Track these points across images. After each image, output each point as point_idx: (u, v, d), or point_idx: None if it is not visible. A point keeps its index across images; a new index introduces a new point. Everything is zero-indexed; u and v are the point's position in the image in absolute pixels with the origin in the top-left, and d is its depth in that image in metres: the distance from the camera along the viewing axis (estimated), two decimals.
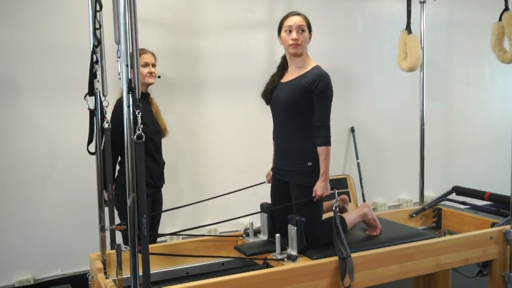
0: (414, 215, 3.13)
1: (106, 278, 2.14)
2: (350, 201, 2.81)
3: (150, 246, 1.78)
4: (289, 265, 2.15)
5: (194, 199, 2.85)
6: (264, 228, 2.57)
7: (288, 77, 2.45)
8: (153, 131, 2.92)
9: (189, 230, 2.50)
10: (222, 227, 3.83)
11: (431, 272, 2.47)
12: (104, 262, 2.22)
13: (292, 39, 2.35)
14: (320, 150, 2.30)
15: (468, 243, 2.48)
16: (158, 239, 3.26)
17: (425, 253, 2.35)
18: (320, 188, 2.29)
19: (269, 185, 2.62)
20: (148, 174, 2.81)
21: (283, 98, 2.39)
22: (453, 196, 3.20)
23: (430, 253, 2.37)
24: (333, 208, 2.29)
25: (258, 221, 2.62)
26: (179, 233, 2.62)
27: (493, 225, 2.71)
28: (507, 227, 2.57)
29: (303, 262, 2.20)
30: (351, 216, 2.50)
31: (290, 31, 2.36)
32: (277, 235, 2.30)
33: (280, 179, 2.49)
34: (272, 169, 2.58)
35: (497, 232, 2.56)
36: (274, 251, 2.31)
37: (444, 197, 3.22)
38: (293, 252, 2.26)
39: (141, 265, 1.70)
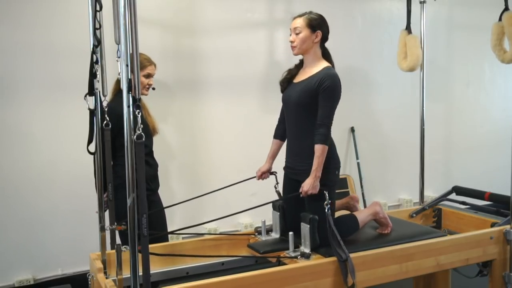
0: (414, 215, 3.13)
1: (106, 278, 2.14)
2: None
3: (150, 246, 1.78)
4: (303, 263, 2.17)
5: (194, 200, 2.85)
6: (276, 226, 2.57)
7: (300, 77, 2.49)
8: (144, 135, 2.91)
9: (189, 228, 2.50)
10: (222, 228, 3.83)
11: (431, 272, 2.47)
12: (104, 262, 2.22)
13: (290, 41, 2.46)
14: (316, 147, 2.30)
15: (468, 243, 2.48)
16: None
17: (425, 253, 2.35)
18: (307, 184, 2.28)
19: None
20: None
21: (295, 98, 2.42)
22: (453, 196, 3.20)
23: (430, 253, 2.37)
24: (326, 210, 2.27)
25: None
26: (180, 233, 2.61)
27: (493, 225, 2.71)
28: (507, 227, 2.57)
29: (317, 260, 2.21)
30: (362, 215, 2.51)
31: (291, 34, 2.45)
32: (291, 233, 2.31)
33: (292, 178, 2.50)
34: (284, 168, 2.58)
35: (497, 232, 2.56)
36: (287, 249, 2.33)
37: (444, 197, 3.22)
38: (306, 250, 2.27)
39: (141, 265, 1.70)
